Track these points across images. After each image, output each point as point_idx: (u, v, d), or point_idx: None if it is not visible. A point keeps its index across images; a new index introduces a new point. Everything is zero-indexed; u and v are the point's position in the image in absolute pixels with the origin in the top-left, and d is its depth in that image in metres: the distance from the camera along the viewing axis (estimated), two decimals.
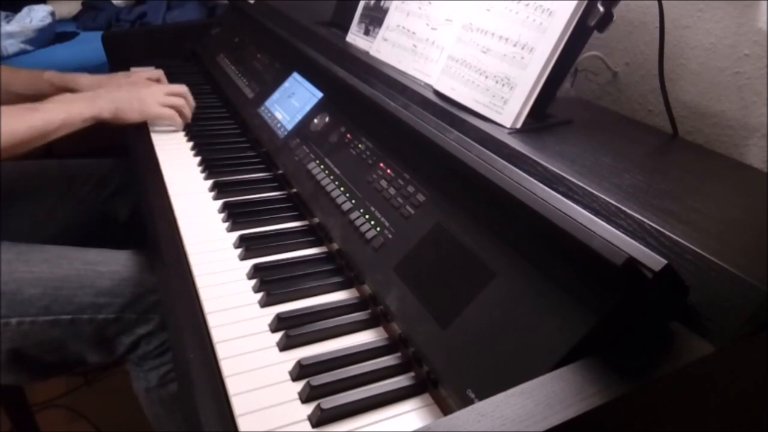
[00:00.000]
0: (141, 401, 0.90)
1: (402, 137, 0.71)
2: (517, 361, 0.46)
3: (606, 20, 0.62)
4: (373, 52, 0.88)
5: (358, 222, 0.69)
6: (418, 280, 0.58)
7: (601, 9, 0.60)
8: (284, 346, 0.59)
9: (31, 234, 0.99)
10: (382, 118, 0.74)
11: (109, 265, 0.86)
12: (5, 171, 1.02)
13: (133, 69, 1.41)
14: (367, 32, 0.92)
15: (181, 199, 0.87)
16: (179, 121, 1.08)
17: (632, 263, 0.41)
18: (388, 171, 0.72)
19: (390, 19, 0.86)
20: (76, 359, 0.85)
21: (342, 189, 0.75)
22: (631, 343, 0.43)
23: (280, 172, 0.92)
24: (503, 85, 0.65)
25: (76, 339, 0.82)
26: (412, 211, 0.64)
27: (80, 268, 0.83)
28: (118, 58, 1.50)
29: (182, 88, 1.11)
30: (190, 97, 1.12)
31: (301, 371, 0.55)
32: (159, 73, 1.23)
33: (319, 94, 0.94)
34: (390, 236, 0.65)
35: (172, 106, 1.07)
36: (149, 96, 1.04)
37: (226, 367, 0.56)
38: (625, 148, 0.69)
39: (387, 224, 0.66)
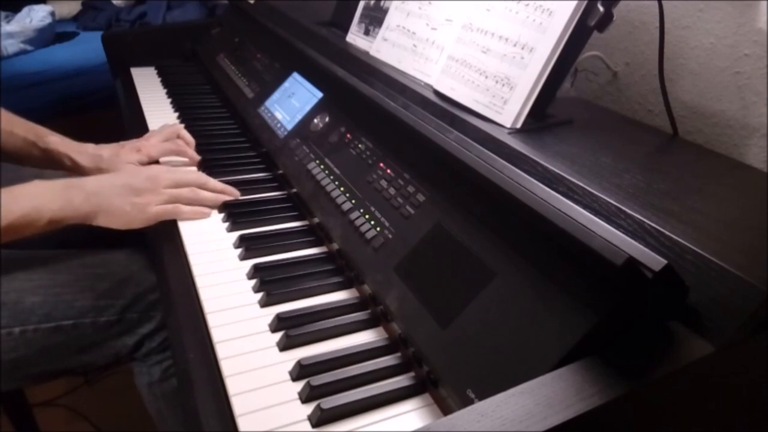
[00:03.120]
0: (143, 396, 0.90)
1: (402, 137, 0.71)
2: (517, 361, 0.46)
3: (606, 20, 0.62)
4: (373, 52, 0.88)
5: (358, 222, 0.69)
6: (418, 280, 0.58)
7: (601, 9, 0.60)
8: (284, 346, 0.59)
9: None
10: (382, 118, 0.74)
11: (108, 267, 0.86)
12: (3, 172, 1.02)
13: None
14: (367, 32, 0.92)
15: None
16: (188, 211, 0.82)
17: (632, 263, 0.41)
18: (388, 171, 0.72)
19: (390, 19, 0.86)
20: (80, 364, 0.84)
21: (342, 189, 0.75)
22: (631, 343, 0.43)
23: (280, 172, 0.92)
24: (503, 85, 0.65)
25: (79, 343, 0.82)
26: (412, 211, 0.64)
27: (79, 272, 0.83)
28: (118, 58, 1.50)
29: (196, 180, 0.85)
30: (208, 186, 0.86)
31: (301, 371, 0.55)
32: (177, 129, 1.04)
33: (319, 94, 0.94)
34: (390, 236, 0.65)
35: (174, 200, 0.82)
36: (146, 195, 0.80)
37: (226, 367, 0.56)
38: (625, 148, 0.69)
39: (387, 224, 0.66)
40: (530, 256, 0.51)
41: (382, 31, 0.87)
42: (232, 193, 0.86)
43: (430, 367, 0.53)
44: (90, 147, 0.99)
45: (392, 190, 0.69)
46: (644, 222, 0.48)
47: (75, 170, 0.96)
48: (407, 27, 0.82)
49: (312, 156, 0.85)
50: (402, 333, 0.58)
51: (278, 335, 0.60)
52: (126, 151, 0.99)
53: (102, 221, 0.78)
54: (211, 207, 0.84)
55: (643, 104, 0.89)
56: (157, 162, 1.00)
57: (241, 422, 0.51)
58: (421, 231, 0.62)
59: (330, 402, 0.51)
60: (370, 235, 0.66)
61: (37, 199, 0.74)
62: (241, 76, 1.21)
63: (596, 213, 0.50)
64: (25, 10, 2.03)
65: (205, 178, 0.87)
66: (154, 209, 0.80)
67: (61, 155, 0.96)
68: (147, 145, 1.01)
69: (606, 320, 0.43)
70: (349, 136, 0.82)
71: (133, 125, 1.15)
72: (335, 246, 0.73)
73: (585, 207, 0.51)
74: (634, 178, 0.57)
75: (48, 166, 0.99)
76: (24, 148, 0.97)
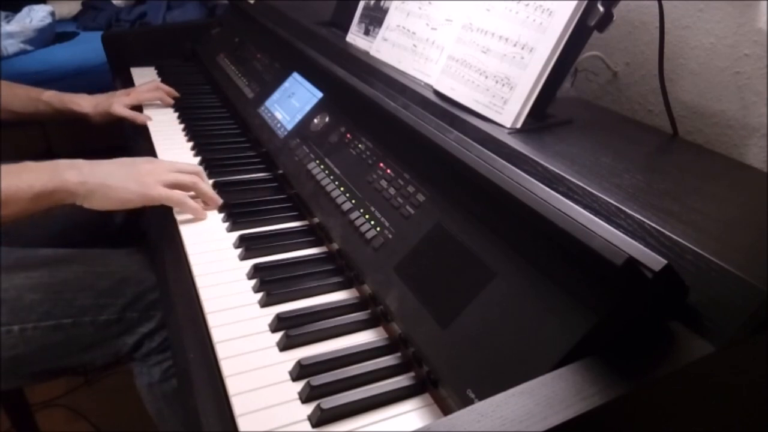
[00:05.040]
0: (143, 397, 0.90)
1: (402, 137, 0.71)
2: (517, 361, 0.46)
3: (606, 20, 0.62)
4: (373, 52, 0.88)
5: (358, 222, 0.69)
6: (418, 280, 0.58)
7: (601, 9, 0.60)
8: (284, 346, 0.59)
9: (29, 235, 0.99)
10: (382, 118, 0.74)
11: (108, 266, 0.86)
12: (4, 165, 1.02)
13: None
14: (367, 32, 0.92)
15: None
16: (191, 205, 0.80)
17: (632, 263, 0.41)
18: (388, 171, 0.72)
19: (390, 19, 0.86)
20: (80, 362, 0.84)
21: (342, 189, 0.75)
22: (631, 343, 0.43)
23: (280, 172, 0.92)
24: (503, 85, 0.65)
25: (79, 342, 0.82)
26: (412, 211, 0.64)
27: (79, 271, 0.83)
28: (118, 58, 1.50)
29: (195, 168, 0.86)
30: (204, 181, 0.86)
31: (301, 371, 0.55)
32: (155, 83, 1.25)
33: (319, 94, 0.94)
34: (390, 236, 0.65)
35: (178, 186, 0.81)
36: (149, 175, 0.79)
37: (226, 367, 0.56)
38: (625, 148, 0.69)
39: (387, 224, 0.66)
40: (530, 256, 0.51)
41: (382, 31, 0.87)
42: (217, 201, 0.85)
43: (430, 367, 0.53)
44: (84, 95, 1.17)
45: (392, 190, 0.69)
46: (644, 222, 0.48)
47: (79, 117, 1.13)
48: (407, 27, 0.82)
49: (312, 156, 0.85)
50: (402, 333, 0.58)
51: (278, 335, 0.60)
52: (118, 95, 1.18)
53: (96, 201, 0.76)
54: (208, 201, 0.84)
55: (643, 104, 0.89)
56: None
57: (241, 422, 0.51)
58: (421, 231, 0.62)
59: (330, 402, 0.51)
60: (370, 235, 0.66)
61: (23, 172, 0.72)
62: (241, 76, 1.21)
63: (596, 213, 0.50)
64: (25, 10, 2.02)
65: (200, 169, 0.88)
66: (159, 189, 0.78)
67: (63, 103, 1.13)
68: (136, 90, 1.21)
69: (606, 320, 0.43)
70: (349, 136, 0.82)
71: (134, 126, 1.15)
72: (335, 246, 0.73)
73: (585, 207, 0.51)
74: (634, 178, 0.57)
75: (56, 117, 1.16)
76: (30, 104, 1.13)
